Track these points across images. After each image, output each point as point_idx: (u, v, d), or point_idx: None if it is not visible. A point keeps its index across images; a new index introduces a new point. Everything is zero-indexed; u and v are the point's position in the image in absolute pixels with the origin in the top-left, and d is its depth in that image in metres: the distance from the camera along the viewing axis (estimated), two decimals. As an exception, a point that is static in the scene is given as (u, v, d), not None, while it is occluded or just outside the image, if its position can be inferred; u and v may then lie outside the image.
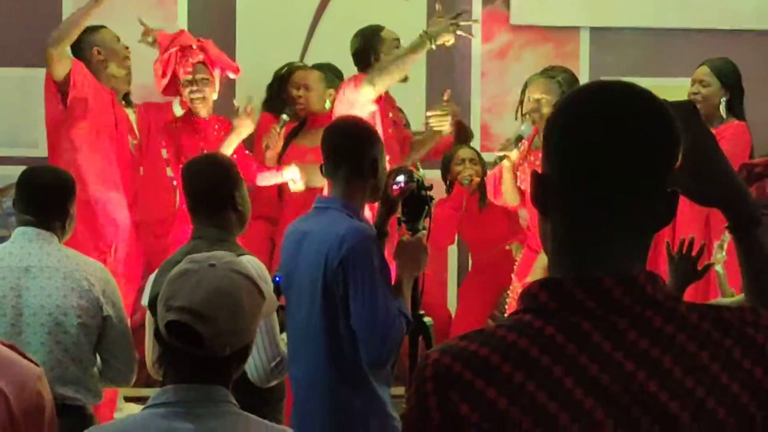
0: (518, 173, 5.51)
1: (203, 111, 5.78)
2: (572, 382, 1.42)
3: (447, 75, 6.79)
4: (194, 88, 5.74)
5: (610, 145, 1.47)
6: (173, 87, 5.84)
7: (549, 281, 1.48)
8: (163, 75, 5.78)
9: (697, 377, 1.44)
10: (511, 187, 5.54)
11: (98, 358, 3.92)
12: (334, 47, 5.75)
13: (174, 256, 3.74)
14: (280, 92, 6.30)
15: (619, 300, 1.46)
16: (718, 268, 3.60)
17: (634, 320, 1.45)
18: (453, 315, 6.45)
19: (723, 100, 5.37)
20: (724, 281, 3.56)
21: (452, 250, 6.76)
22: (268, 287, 2.52)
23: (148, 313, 3.72)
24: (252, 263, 3.41)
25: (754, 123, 5.50)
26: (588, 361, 1.43)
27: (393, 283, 3.64)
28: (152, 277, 3.81)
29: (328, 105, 5.91)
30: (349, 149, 3.72)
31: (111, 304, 3.86)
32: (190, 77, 5.73)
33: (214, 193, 3.74)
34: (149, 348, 3.76)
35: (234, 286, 2.35)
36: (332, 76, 6.03)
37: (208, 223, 3.72)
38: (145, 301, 3.73)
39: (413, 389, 1.47)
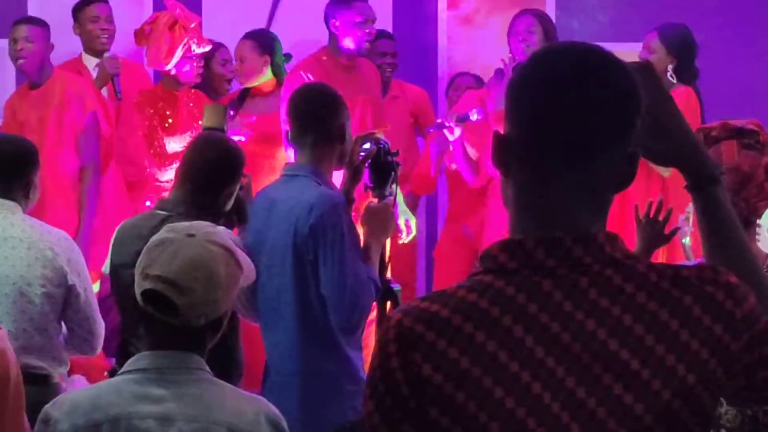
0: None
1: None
2: (533, 341, 1.43)
3: (413, 41, 6.78)
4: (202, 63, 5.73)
5: (570, 102, 1.47)
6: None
7: (510, 242, 1.49)
8: (172, 49, 5.67)
9: (657, 335, 1.45)
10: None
11: (64, 327, 3.91)
12: (301, 16, 5.70)
13: (135, 228, 3.63)
14: None
15: (579, 259, 1.46)
16: (685, 240, 3.62)
17: (594, 279, 1.46)
18: (418, 282, 6.47)
19: (670, 66, 5.38)
20: (689, 252, 3.58)
21: (420, 218, 6.76)
22: (246, 258, 2.53)
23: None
24: (230, 235, 3.35)
25: (711, 85, 5.52)
26: (549, 320, 1.44)
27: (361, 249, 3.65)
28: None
29: (269, 75, 5.80)
30: (317, 115, 3.71)
31: (75, 273, 3.84)
32: (201, 51, 5.69)
33: (215, 185, 3.62)
34: None
35: (211, 257, 2.36)
36: (268, 41, 5.84)
37: (187, 200, 3.61)
38: (106, 269, 3.69)
39: (376, 350, 1.48)
